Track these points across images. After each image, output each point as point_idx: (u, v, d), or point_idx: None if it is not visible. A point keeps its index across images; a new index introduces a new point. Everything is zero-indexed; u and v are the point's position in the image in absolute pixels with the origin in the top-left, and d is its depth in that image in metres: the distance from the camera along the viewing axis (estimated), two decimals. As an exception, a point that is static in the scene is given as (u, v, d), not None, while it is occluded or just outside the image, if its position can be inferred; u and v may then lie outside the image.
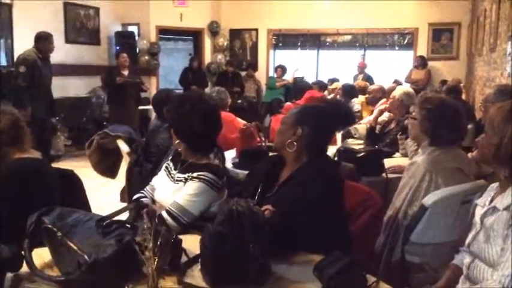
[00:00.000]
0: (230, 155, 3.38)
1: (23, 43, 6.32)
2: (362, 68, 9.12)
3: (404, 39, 9.56)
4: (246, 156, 3.17)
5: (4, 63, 6.83)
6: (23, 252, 1.45)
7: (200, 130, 2.01)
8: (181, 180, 2.04)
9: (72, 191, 2.30)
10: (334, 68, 9.93)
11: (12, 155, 2.09)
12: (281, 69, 9.56)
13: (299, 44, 10.33)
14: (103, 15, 8.88)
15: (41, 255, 1.52)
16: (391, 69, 9.50)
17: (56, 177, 2.25)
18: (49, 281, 1.38)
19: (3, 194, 1.96)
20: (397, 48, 9.65)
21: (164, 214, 1.95)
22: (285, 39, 10.44)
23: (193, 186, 1.97)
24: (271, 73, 10.09)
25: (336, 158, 2.97)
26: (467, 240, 1.66)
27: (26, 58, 5.74)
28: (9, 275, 1.38)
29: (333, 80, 8.81)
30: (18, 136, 2.10)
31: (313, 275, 1.41)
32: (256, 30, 10.28)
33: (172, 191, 2.05)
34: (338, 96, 7.72)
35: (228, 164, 3.16)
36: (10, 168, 2.05)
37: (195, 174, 1.99)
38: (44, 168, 2.23)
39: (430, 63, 8.98)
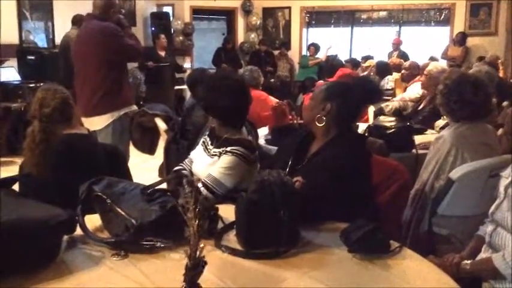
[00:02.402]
0: (263, 132, 3.50)
1: (62, 26, 6.57)
2: (397, 44, 9.00)
3: (440, 14, 9.35)
4: (277, 133, 3.27)
5: (45, 45, 7.13)
6: (77, 217, 1.61)
7: (227, 105, 2.13)
8: (216, 155, 2.18)
9: (116, 164, 2.46)
10: (368, 45, 9.84)
11: (62, 130, 2.26)
12: (314, 48, 9.53)
13: (332, 21, 10.26)
14: (139, -4, 9.06)
15: (92, 221, 1.67)
16: (427, 46, 9.33)
17: (101, 151, 2.42)
18: (101, 242, 1.54)
19: (55, 166, 2.14)
20: (433, 24, 9.46)
21: (200, 186, 2.09)
22: (318, 17, 10.38)
23: (226, 160, 2.11)
24: (304, 52, 10.08)
25: (366, 134, 3.04)
26: (491, 209, 1.73)
27: (67, 40, 5.95)
28: (65, 237, 1.54)
29: (366, 58, 8.76)
30: (68, 113, 2.26)
31: (340, 240, 1.53)
32: (289, 8, 10.25)
33: (207, 164, 2.19)
34: (372, 74, 7.71)
35: (261, 141, 3.27)
36: (61, 143, 2.22)
37: (228, 149, 2.13)
38: (87, 142, 2.41)
39: (468, 40, 8.77)
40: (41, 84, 5.68)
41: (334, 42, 9.75)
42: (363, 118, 4.12)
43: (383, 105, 4.64)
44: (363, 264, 1.43)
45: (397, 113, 4.23)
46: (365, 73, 8.02)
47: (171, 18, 9.33)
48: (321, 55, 9.44)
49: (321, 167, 1.83)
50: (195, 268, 1.18)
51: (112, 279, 1.35)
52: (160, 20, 9.02)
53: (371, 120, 4.13)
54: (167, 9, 9.55)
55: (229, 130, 2.23)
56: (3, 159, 5.67)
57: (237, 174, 2.09)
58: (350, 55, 9.64)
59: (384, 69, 7.10)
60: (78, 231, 1.58)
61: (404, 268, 1.42)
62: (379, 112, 4.53)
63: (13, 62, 6.41)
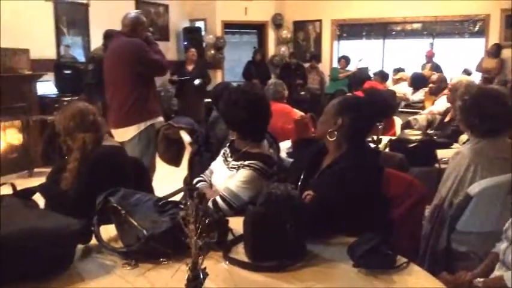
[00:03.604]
0: (286, 145, 3.52)
1: (98, 41, 6.79)
2: (430, 57, 8.88)
3: (475, 26, 9.17)
4: (300, 146, 3.29)
5: (82, 59, 7.39)
6: (92, 228, 1.68)
7: (246, 118, 2.17)
8: (234, 168, 2.22)
9: (138, 176, 2.54)
10: (400, 57, 9.74)
11: (90, 141, 2.34)
12: (345, 60, 9.50)
13: (364, 33, 10.21)
14: (172, 11, 9.28)
15: (108, 231, 1.74)
16: (461, 58, 9.15)
17: (130, 163, 2.51)
18: (113, 252, 1.60)
19: (86, 173, 2.22)
20: (467, 36, 9.28)
21: (218, 199, 2.14)
22: (349, 30, 10.36)
23: (244, 173, 2.15)
24: (335, 64, 10.06)
25: (387, 148, 3.02)
26: (505, 226, 1.69)
27: (93, 56, 6.15)
28: (80, 246, 1.60)
29: (398, 70, 8.69)
30: (85, 124, 2.34)
31: (347, 254, 1.53)
32: (320, 21, 10.27)
33: (226, 177, 2.24)
34: (405, 85, 7.62)
35: (283, 154, 3.29)
36: (97, 154, 2.31)
37: (246, 163, 2.17)
38: (121, 154, 2.51)
39: (503, 52, 8.55)
40: (76, 97, 5.96)
41: (365, 55, 9.70)
42: (391, 131, 4.09)
43: (410, 118, 4.59)
44: (367, 279, 1.43)
45: (428, 126, 4.18)
46: (396, 85, 7.97)
47: (203, 33, 9.51)
48: (352, 68, 9.40)
49: (332, 181, 1.84)
50: (195, 279, 1.22)
51: (120, 287, 1.40)
52: (192, 34, 9.22)
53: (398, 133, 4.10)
54: (199, 24, 9.75)
55: (248, 143, 2.27)
56: (39, 170, 5.91)
57: (254, 188, 2.12)
58: (382, 67, 9.56)
59: (418, 80, 7.02)
60: (94, 240, 1.65)
61: (409, 284, 1.41)
62: (406, 125, 4.48)
63: (51, 76, 6.67)
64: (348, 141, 1.90)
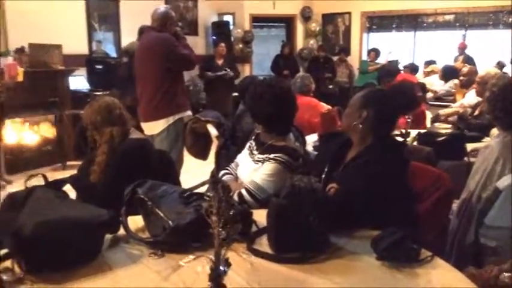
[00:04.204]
0: (312, 138, 3.51)
1: (129, 36, 6.91)
2: (462, 49, 8.67)
3: (509, 17, 8.89)
4: (326, 140, 3.27)
5: (113, 55, 7.53)
6: (120, 218, 1.72)
7: (271, 112, 2.18)
8: (260, 161, 2.24)
9: (166, 168, 2.59)
10: (432, 49, 9.54)
11: (118, 135, 2.40)
12: (374, 53, 9.37)
13: (394, 26, 10.05)
14: (201, 6, 9.34)
15: (135, 221, 1.78)
16: (495, 50, 8.90)
17: (156, 156, 2.56)
18: (140, 242, 1.64)
19: (113, 165, 2.28)
20: (501, 27, 9.01)
21: (243, 191, 2.16)
22: (379, 22, 10.20)
23: (269, 167, 2.16)
24: (364, 57, 9.94)
25: (416, 142, 2.99)
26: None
27: (127, 50, 6.26)
28: (108, 236, 1.65)
29: (429, 62, 8.52)
30: (112, 118, 2.40)
31: (371, 247, 1.53)
32: (349, 13, 10.16)
33: (252, 170, 2.26)
34: (436, 78, 7.48)
35: (309, 147, 3.29)
36: (125, 147, 2.37)
37: (271, 156, 2.18)
38: (149, 147, 2.57)
39: (539, 42, 8.28)
40: (107, 92, 6.08)
41: (395, 47, 9.55)
42: (422, 125, 4.03)
43: (440, 111, 4.52)
44: (390, 273, 1.43)
45: (461, 119, 4.10)
46: (427, 78, 7.82)
47: (232, 27, 9.54)
48: (382, 60, 9.27)
49: (356, 174, 1.83)
50: (218, 269, 1.25)
51: (146, 276, 1.44)
52: (221, 29, 9.26)
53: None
54: (228, 17, 9.78)
55: (274, 137, 2.28)
56: (71, 162, 6.07)
57: (279, 181, 2.13)
58: (413, 60, 9.40)
59: (449, 73, 6.89)
60: (122, 231, 1.70)
61: (432, 278, 1.40)
62: (436, 118, 4.41)
63: (83, 71, 6.83)
64: (373, 134, 1.90)
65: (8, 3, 6.00)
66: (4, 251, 1.45)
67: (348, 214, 1.68)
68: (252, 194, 2.14)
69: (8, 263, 1.40)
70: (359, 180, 1.79)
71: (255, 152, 2.33)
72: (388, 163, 1.82)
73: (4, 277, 1.21)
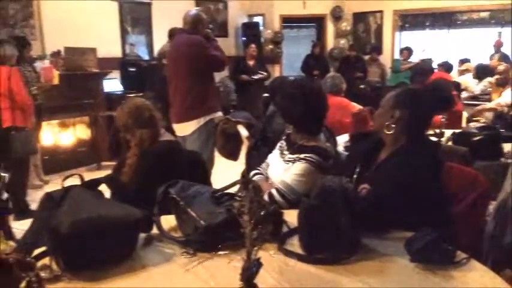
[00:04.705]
0: (343, 139, 3.48)
1: (161, 39, 7.01)
2: (498, 46, 8.43)
3: (548, 13, 8.60)
4: (357, 140, 3.24)
5: (146, 57, 7.66)
6: (153, 218, 1.75)
7: (301, 112, 2.18)
8: (290, 161, 2.23)
9: (197, 170, 2.62)
10: (466, 48, 9.31)
11: (147, 137, 2.45)
12: (407, 52, 9.20)
13: (427, 24, 9.85)
14: (231, 8, 9.40)
15: (168, 220, 1.81)
16: (533, 47, 8.61)
17: (185, 157, 2.59)
18: (173, 241, 1.67)
19: (144, 167, 2.33)
20: (540, 23, 8.71)
21: (273, 191, 2.16)
22: (412, 20, 10.02)
23: (300, 167, 2.16)
24: (397, 56, 9.78)
25: (450, 142, 2.92)
26: None
27: (164, 51, 6.35)
28: (142, 235, 1.68)
29: (463, 61, 8.31)
30: (142, 120, 2.43)
31: (404, 249, 1.51)
32: (381, 12, 10.01)
33: (282, 170, 2.26)
34: (471, 76, 7.30)
35: (340, 148, 3.27)
36: (155, 148, 2.42)
37: (302, 156, 2.18)
38: (178, 148, 2.60)
39: None
40: (141, 94, 6.18)
41: (428, 46, 9.36)
42: (458, 125, 3.95)
43: (476, 108, 4.41)
44: (424, 274, 1.41)
45: (498, 118, 4.00)
46: (461, 77, 7.65)
47: (261, 28, 9.56)
48: (415, 59, 9.10)
49: (389, 174, 1.81)
50: (249, 268, 1.25)
51: (179, 275, 1.46)
52: (250, 30, 9.29)
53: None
54: (258, 19, 9.81)
55: (304, 137, 2.28)
56: (106, 163, 6.21)
57: (309, 181, 2.12)
58: (447, 59, 9.19)
59: (483, 71, 6.72)
60: (155, 230, 1.73)
61: (468, 280, 1.37)
62: (471, 118, 4.31)
63: (116, 74, 6.97)
64: (406, 134, 1.87)
65: (44, 8, 6.18)
66: (42, 248, 1.50)
67: (380, 215, 1.66)
68: (282, 194, 2.14)
69: (46, 261, 1.45)
70: (392, 181, 1.76)
71: (286, 152, 2.33)
72: (422, 164, 1.78)
73: (42, 274, 1.25)
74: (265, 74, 7.69)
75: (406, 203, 1.69)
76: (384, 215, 1.68)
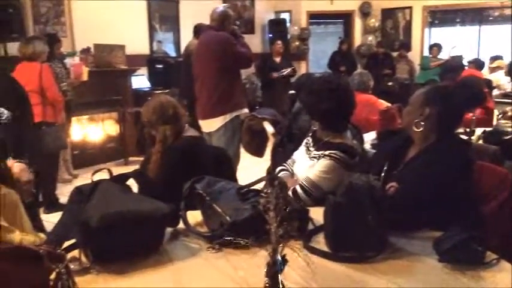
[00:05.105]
0: (370, 136, 3.45)
1: (188, 36, 7.06)
2: (532, 43, 8.20)
3: None
4: (385, 138, 3.20)
5: (173, 54, 7.73)
6: (180, 213, 1.77)
7: (327, 108, 2.16)
8: (315, 158, 2.22)
9: (222, 166, 2.63)
10: (498, 44, 9.07)
11: (171, 134, 2.47)
12: (437, 48, 9.02)
13: (458, 20, 9.65)
14: (258, 4, 9.39)
15: (195, 216, 1.82)
16: None
17: (209, 152, 2.61)
18: (199, 236, 1.68)
19: (169, 162, 2.35)
20: None
21: (297, 188, 2.15)
22: (441, 16, 9.83)
23: (324, 163, 2.13)
24: (426, 53, 9.61)
25: (481, 140, 2.86)
26: None
27: (190, 48, 6.39)
28: (168, 229, 1.70)
29: (495, 58, 8.10)
30: (166, 117, 2.46)
31: (432, 248, 1.48)
32: (410, 8, 9.85)
33: (307, 166, 2.24)
34: (503, 74, 7.12)
35: (367, 145, 3.23)
36: (179, 144, 2.44)
37: (327, 153, 2.15)
38: (202, 144, 2.62)
39: None
40: (167, 90, 6.25)
41: (459, 42, 9.16)
42: (489, 123, 3.86)
43: (508, 108, 4.29)
44: (453, 275, 1.38)
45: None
46: (493, 74, 7.46)
47: (288, 24, 9.53)
48: (445, 56, 8.92)
49: (418, 173, 1.78)
50: (275, 265, 1.25)
51: (204, 269, 1.47)
52: (277, 27, 9.27)
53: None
54: (285, 15, 9.77)
55: (330, 134, 2.25)
56: (133, 158, 6.30)
57: (334, 178, 2.10)
58: (478, 55, 8.98)
59: (514, 69, 6.54)
60: (182, 224, 1.75)
61: (497, 281, 1.34)
62: (502, 116, 4.20)
63: (144, 71, 7.06)
64: (436, 132, 1.83)
65: (75, 6, 6.29)
66: (72, 241, 1.53)
67: (409, 214, 1.64)
68: (306, 191, 2.12)
69: (75, 253, 1.48)
70: (421, 179, 1.73)
71: (312, 149, 2.31)
72: (451, 163, 1.75)
73: (72, 266, 1.28)
74: (290, 70, 7.65)
75: (435, 202, 1.67)
76: (412, 214, 1.66)
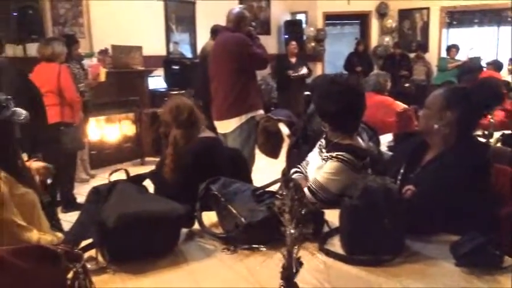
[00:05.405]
0: (387, 138, 3.42)
1: (204, 37, 7.09)
2: (552, 44, 8.07)
3: None
4: (402, 140, 3.18)
5: (189, 55, 7.77)
6: (195, 213, 1.78)
7: (334, 109, 2.12)
8: (325, 159, 2.20)
9: (237, 167, 2.64)
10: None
11: (195, 133, 2.49)
12: (454, 49, 8.94)
13: (476, 21, 9.53)
14: (274, 5, 9.39)
15: (209, 217, 1.83)
16: None
17: (225, 154, 2.62)
18: (214, 237, 1.68)
19: (182, 165, 2.37)
20: None
21: (306, 190, 2.13)
22: (459, 17, 9.71)
23: (331, 165, 2.11)
24: (443, 54, 9.50)
25: (499, 143, 2.82)
26: None
27: (206, 49, 6.42)
28: (184, 230, 1.71)
29: (514, 59, 7.99)
30: (179, 120, 2.48)
31: (449, 253, 1.47)
32: (428, 9, 9.77)
33: (317, 167, 2.22)
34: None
35: (383, 147, 3.21)
36: (194, 145, 2.46)
37: (334, 154, 2.13)
38: (218, 145, 2.63)
39: None
40: (183, 91, 6.28)
41: (477, 44, 9.04)
42: (507, 125, 3.80)
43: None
44: (469, 280, 1.36)
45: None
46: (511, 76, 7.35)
47: (304, 25, 9.51)
48: (462, 57, 8.82)
49: (436, 176, 1.76)
50: (290, 268, 1.25)
51: (219, 270, 1.47)
52: (293, 28, 9.26)
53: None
54: (300, 16, 9.76)
55: (339, 135, 2.21)
56: (150, 158, 6.35)
57: (341, 180, 2.06)
58: (496, 57, 8.86)
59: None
60: (197, 225, 1.75)
61: (516, 287, 1.32)
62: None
63: (160, 72, 7.11)
64: (455, 135, 1.81)
65: (93, 7, 6.37)
66: (89, 240, 1.55)
67: (425, 217, 1.62)
68: (313, 192, 2.10)
69: (92, 252, 1.50)
70: (439, 182, 1.71)
71: (324, 151, 2.30)
72: (469, 166, 1.73)
73: (89, 266, 1.29)
74: (307, 71, 7.65)
75: (452, 206, 1.65)
76: (429, 217, 1.64)
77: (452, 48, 8.99)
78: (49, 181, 2.67)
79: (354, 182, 1.62)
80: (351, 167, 2.07)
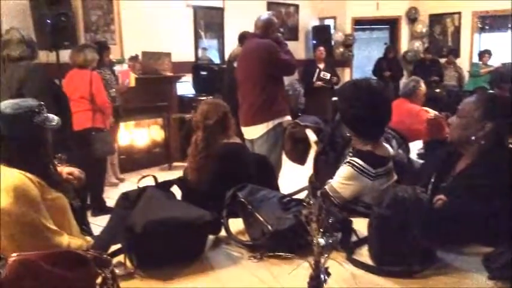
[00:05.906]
0: (417, 145, 3.37)
1: (232, 43, 7.14)
2: None
3: None
4: (432, 148, 3.12)
5: (217, 61, 7.82)
6: (222, 220, 1.78)
7: (357, 115, 2.07)
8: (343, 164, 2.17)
9: (264, 173, 2.63)
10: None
11: (221, 139, 2.51)
12: (487, 55, 8.74)
13: (510, 25, 9.28)
14: (302, 11, 9.38)
15: (236, 224, 1.83)
16: None
17: (251, 160, 2.62)
18: (240, 244, 1.68)
19: (213, 171, 2.38)
20: None
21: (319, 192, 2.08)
22: (492, 22, 9.49)
23: (343, 170, 2.08)
24: (475, 59, 9.30)
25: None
26: None
27: (234, 55, 6.45)
28: (210, 237, 1.71)
29: (550, 65, 7.75)
30: (226, 125, 2.50)
31: (482, 265, 1.42)
32: (459, 13, 9.57)
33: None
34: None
35: (413, 155, 3.16)
36: (218, 151, 2.47)
37: (348, 159, 2.10)
38: (242, 151, 2.63)
39: None
40: (210, 97, 6.32)
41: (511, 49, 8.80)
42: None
43: None
44: (504, 294, 1.32)
45: None
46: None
47: (332, 30, 9.46)
48: (495, 63, 8.60)
49: (469, 185, 1.71)
50: (318, 277, 1.23)
51: (245, 278, 1.47)
52: (321, 33, 9.22)
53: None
54: (329, 21, 9.71)
55: (361, 142, 2.17)
56: (177, 164, 6.40)
57: (353, 186, 2.03)
58: (531, 62, 8.61)
59: None
60: (223, 232, 1.75)
61: (553, 303, 1.27)
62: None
63: (189, 78, 7.18)
64: (489, 144, 1.75)
65: (124, 14, 6.48)
66: (117, 246, 1.57)
67: (457, 228, 1.58)
68: (328, 196, 2.06)
69: (120, 258, 1.51)
70: (472, 192, 1.67)
71: (348, 157, 2.27)
72: (504, 175, 1.68)
73: (117, 271, 1.31)
74: (335, 78, 7.61)
75: (486, 217, 1.60)
76: (461, 228, 1.60)
77: (484, 54, 8.79)
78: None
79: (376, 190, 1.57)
80: (363, 173, 2.02)
